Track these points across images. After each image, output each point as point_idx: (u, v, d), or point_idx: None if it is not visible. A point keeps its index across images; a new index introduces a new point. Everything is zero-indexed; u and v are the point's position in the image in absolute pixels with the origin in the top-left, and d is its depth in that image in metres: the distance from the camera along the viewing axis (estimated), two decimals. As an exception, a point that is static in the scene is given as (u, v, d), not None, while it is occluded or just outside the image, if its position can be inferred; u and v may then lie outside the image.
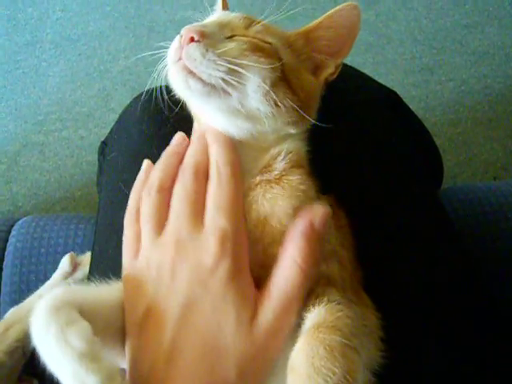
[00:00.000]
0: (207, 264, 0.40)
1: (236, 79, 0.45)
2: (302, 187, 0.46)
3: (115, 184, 0.63)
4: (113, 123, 1.52)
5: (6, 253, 0.86)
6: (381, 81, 0.71)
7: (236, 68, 0.44)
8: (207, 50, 0.44)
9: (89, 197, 1.46)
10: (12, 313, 0.70)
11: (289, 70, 0.48)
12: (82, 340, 0.37)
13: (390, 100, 0.71)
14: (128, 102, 1.58)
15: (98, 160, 0.77)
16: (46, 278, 0.83)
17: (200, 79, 0.45)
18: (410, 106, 1.52)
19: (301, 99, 0.48)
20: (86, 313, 0.40)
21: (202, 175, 0.46)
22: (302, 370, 0.36)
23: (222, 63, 0.44)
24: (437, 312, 0.53)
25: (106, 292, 0.46)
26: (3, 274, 0.84)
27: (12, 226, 0.90)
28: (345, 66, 0.69)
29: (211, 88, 0.45)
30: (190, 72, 0.45)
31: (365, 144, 0.61)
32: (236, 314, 0.40)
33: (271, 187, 0.46)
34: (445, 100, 1.49)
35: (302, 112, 0.47)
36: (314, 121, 0.50)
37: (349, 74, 0.68)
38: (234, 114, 0.47)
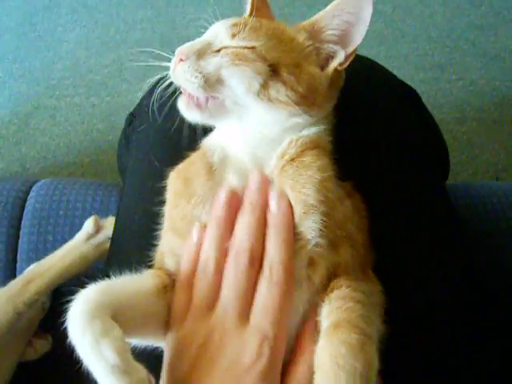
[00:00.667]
0: (244, 362, 0.43)
1: (218, 88, 0.51)
2: (316, 163, 0.49)
3: (145, 155, 0.66)
4: (125, 93, 1.55)
5: (24, 212, 0.89)
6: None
7: (217, 78, 0.50)
8: (188, 67, 0.52)
9: (97, 164, 1.48)
10: (33, 268, 0.73)
11: (281, 67, 0.51)
12: (114, 352, 0.40)
13: (410, 97, 0.74)
14: (142, 73, 1.59)
15: (124, 130, 0.80)
16: (63, 239, 0.86)
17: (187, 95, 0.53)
18: (419, 102, 1.54)
19: (301, 92, 0.50)
20: (119, 312, 0.44)
21: (256, 261, 0.46)
22: (328, 368, 0.40)
23: (197, 75, 0.51)
24: (439, 300, 0.57)
25: (138, 285, 0.48)
26: (21, 232, 0.87)
27: (30, 187, 0.92)
28: (373, 62, 0.73)
29: (197, 100, 0.52)
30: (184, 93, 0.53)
31: (383, 134, 0.64)
32: None
33: (284, 171, 0.49)
34: (453, 98, 1.52)
35: (301, 105, 0.50)
36: (327, 110, 0.54)
37: (376, 70, 0.72)
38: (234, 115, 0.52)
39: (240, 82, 0.50)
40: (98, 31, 1.64)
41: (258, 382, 0.42)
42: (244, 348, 0.43)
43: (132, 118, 0.77)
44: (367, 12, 0.50)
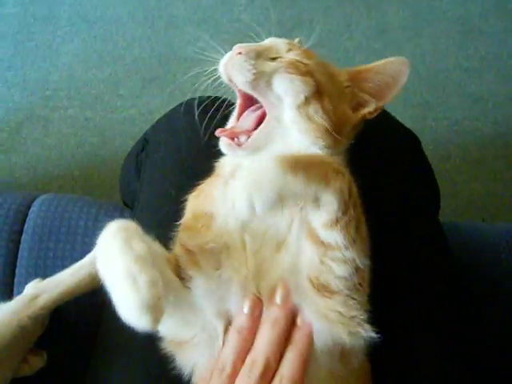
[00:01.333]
0: None
1: (264, 90, 0.55)
2: None
3: (161, 182, 0.68)
4: (120, 109, 1.56)
5: (25, 227, 0.89)
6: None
7: (267, 80, 0.54)
8: (245, 61, 0.55)
9: (87, 178, 1.49)
10: (42, 283, 0.74)
11: (324, 92, 0.56)
12: (143, 246, 0.45)
13: (411, 142, 0.79)
14: (138, 90, 1.61)
15: (136, 156, 0.81)
16: (64, 256, 0.86)
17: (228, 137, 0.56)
18: (406, 138, 1.59)
19: (332, 122, 0.55)
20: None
21: (269, 375, 0.48)
22: None
23: (251, 69, 0.54)
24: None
25: None
26: (21, 247, 0.87)
27: (32, 201, 0.93)
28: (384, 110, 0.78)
29: (237, 141, 0.56)
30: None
31: (384, 174, 0.69)
32: None
33: None
34: (438, 136, 1.58)
35: (331, 132, 0.54)
36: (344, 147, 0.58)
37: (384, 116, 0.77)
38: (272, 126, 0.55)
39: (288, 90, 0.55)
40: (97, 45, 1.66)
41: None
42: None
43: (145, 144, 0.79)
44: (404, 79, 0.59)
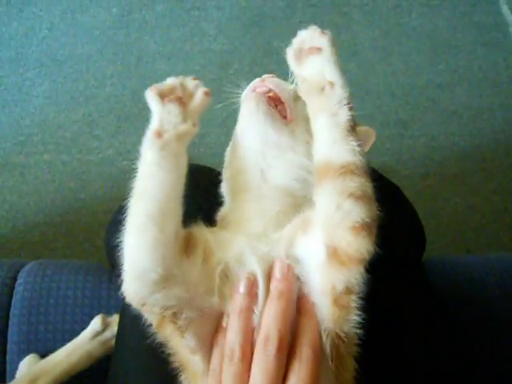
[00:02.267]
0: None
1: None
2: None
3: None
4: (97, 150, 1.54)
5: (13, 301, 0.87)
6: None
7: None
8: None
9: (69, 224, 1.47)
10: (39, 365, 0.73)
11: None
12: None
13: (393, 191, 0.80)
14: (113, 129, 1.59)
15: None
16: (56, 329, 0.85)
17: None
18: (385, 159, 1.62)
19: None
20: None
21: (285, 348, 0.47)
22: None
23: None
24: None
25: None
26: (10, 322, 0.86)
27: (17, 271, 0.91)
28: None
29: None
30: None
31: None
32: None
33: None
34: (416, 154, 1.60)
35: None
36: None
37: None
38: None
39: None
40: (67, 86, 1.63)
41: None
42: None
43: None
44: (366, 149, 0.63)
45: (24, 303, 0.87)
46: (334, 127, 0.48)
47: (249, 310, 0.49)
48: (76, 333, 0.85)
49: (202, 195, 0.66)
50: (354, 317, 0.47)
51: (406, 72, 1.70)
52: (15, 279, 0.90)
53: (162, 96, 0.52)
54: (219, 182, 0.63)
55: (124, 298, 0.71)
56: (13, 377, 0.82)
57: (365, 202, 0.46)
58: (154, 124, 0.51)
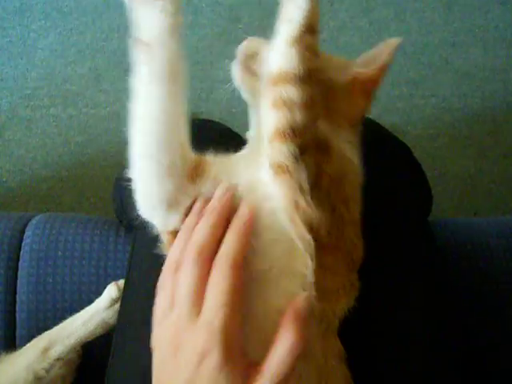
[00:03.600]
0: (198, 352, 0.44)
1: None
2: None
3: None
4: (104, 104, 1.53)
5: (21, 253, 0.88)
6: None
7: None
8: None
9: (76, 178, 1.47)
10: (52, 333, 0.73)
11: None
12: None
13: (401, 149, 0.80)
14: (121, 83, 1.57)
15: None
16: (64, 281, 0.86)
17: None
18: (395, 118, 1.60)
19: None
20: None
21: (206, 259, 0.48)
22: None
23: None
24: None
25: None
26: (19, 274, 0.87)
27: (25, 225, 0.92)
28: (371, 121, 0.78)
29: None
30: None
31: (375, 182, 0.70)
32: None
33: None
34: (426, 115, 1.57)
35: None
36: None
37: (377, 129, 0.77)
38: None
39: None
40: (74, 39, 1.60)
41: (216, 371, 0.43)
42: (196, 340, 0.45)
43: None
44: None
45: (32, 255, 0.88)
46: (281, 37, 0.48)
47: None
48: (83, 284, 0.86)
49: (211, 149, 0.66)
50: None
51: (420, 30, 1.65)
52: (23, 232, 0.91)
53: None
54: (228, 136, 0.62)
55: (131, 252, 0.72)
56: (22, 328, 0.84)
57: (279, 108, 0.46)
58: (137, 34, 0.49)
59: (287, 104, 0.46)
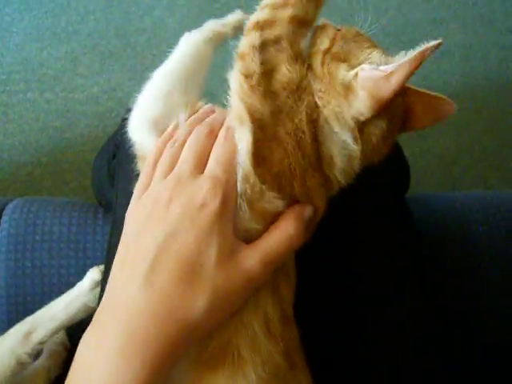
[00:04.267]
0: (198, 201, 0.44)
1: None
2: None
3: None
4: (81, 88, 1.50)
5: (-1, 237, 0.87)
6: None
7: None
8: None
9: (55, 163, 1.45)
10: (35, 317, 0.72)
11: None
12: None
13: None
14: (97, 67, 1.54)
15: (108, 162, 0.79)
16: (43, 264, 0.85)
17: None
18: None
19: None
20: None
21: (214, 134, 0.50)
22: None
23: None
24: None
25: None
26: (-4, 258, 0.86)
27: (2, 209, 0.90)
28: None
29: None
30: None
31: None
32: (217, 249, 0.43)
33: None
34: (407, 93, 1.57)
35: None
36: None
37: None
38: None
39: None
40: (49, 22, 1.57)
41: (213, 219, 0.44)
42: (197, 191, 0.45)
43: (115, 150, 0.76)
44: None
45: (10, 239, 0.87)
46: None
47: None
48: (62, 267, 0.85)
49: None
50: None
51: (399, 8, 1.65)
52: (0, 217, 0.90)
53: None
54: None
55: (111, 232, 0.71)
56: (1, 313, 0.83)
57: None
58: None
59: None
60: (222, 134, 0.49)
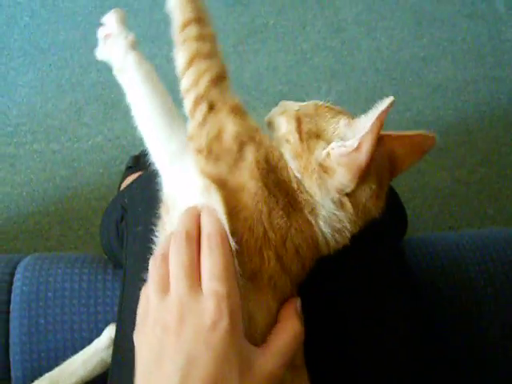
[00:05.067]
0: (207, 323, 0.45)
1: None
2: None
3: (146, 258, 0.70)
4: (86, 138, 1.55)
5: (12, 296, 0.90)
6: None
7: None
8: None
9: (63, 212, 1.49)
10: (54, 373, 0.75)
11: None
12: None
13: None
14: (101, 116, 1.59)
15: (116, 223, 0.82)
16: (55, 321, 0.88)
17: None
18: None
19: None
20: None
21: (193, 239, 0.50)
22: None
23: None
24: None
25: None
26: (11, 316, 0.89)
27: (14, 267, 0.94)
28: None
29: None
30: None
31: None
32: (237, 367, 0.44)
33: None
34: (401, 129, 1.59)
35: None
36: None
37: None
38: None
39: None
40: (53, 74, 1.63)
41: (226, 338, 0.44)
42: (203, 313, 0.45)
43: (123, 213, 0.79)
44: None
45: (23, 297, 0.90)
46: None
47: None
48: (74, 323, 0.88)
49: None
50: None
51: (391, 47, 1.71)
52: (13, 275, 0.93)
53: None
54: None
55: (121, 294, 0.73)
56: (17, 370, 0.85)
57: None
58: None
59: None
60: (204, 243, 0.49)
